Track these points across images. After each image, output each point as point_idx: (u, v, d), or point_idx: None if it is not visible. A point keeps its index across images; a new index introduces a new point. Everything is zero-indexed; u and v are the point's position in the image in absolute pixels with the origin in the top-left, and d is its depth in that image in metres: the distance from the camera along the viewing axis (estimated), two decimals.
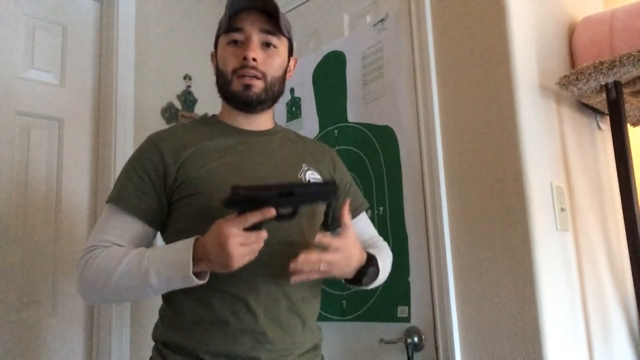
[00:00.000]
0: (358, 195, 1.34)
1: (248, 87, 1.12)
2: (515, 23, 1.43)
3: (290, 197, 0.94)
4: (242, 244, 0.93)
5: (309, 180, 1.18)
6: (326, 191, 0.99)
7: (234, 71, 1.13)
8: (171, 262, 0.98)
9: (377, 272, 1.15)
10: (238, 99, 1.14)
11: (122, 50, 1.92)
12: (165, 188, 1.09)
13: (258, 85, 1.13)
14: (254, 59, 1.11)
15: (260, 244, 0.95)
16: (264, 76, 1.13)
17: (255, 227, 0.94)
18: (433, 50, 1.57)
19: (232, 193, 0.92)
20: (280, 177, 1.14)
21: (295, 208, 0.97)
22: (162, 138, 1.13)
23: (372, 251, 1.18)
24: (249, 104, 1.15)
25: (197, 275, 0.97)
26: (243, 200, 0.93)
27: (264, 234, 0.95)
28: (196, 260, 0.96)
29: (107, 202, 1.11)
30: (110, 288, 1.02)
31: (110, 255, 1.03)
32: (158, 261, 0.99)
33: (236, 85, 1.13)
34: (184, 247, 0.98)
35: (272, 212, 0.94)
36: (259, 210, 0.93)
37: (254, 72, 1.11)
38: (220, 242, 0.92)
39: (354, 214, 1.30)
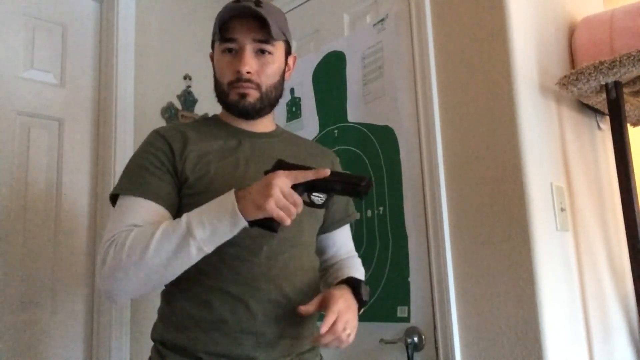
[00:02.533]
0: (350, 204, 1.35)
1: (243, 96, 1.13)
2: (515, 23, 1.43)
3: (327, 181, 0.98)
4: (284, 194, 0.94)
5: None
6: (361, 186, 0.99)
7: (230, 83, 1.14)
8: (215, 206, 0.97)
9: (360, 283, 1.14)
10: (235, 109, 1.16)
11: (122, 50, 1.92)
12: (177, 177, 1.09)
13: (253, 95, 1.13)
14: (248, 72, 1.11)
15: (296, 209, 0.96)
16: (258, 87, 1.14)
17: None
18: (433, 50, 1.57)
19: (277, 164, 0.99)
20: None
21: (329, 196, 1.01)
22: (168, 131, 1.14)
23: (346, 272, 1.22)
24: (246, 114, 1.16)
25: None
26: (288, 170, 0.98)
27: (301, 203, 0.97)
28: (237, 198, 0.95)
29: (120, 194, 1.07)
30: (148, 262, 0.96)
31: (142, 230, 0.99)
32: (199, 213, 0.97)
33: (233, 95, 1.14)
34: (226, 194, 0.98)
35: (327, 171, 0.97)
36: (314, 171, 0.97)
37: (248, 84, 1.12)
38: (267, 182, 0.94)
39: (340, 223, 1.31)
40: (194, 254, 0.96)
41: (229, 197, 0.96)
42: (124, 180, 1.09)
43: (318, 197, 1.04)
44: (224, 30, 1.13)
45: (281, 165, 1.01)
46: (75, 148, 1.85)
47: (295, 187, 0.96)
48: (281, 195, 0.93)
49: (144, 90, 1.97)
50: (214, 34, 1.18)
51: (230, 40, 1.13)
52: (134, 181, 1.07)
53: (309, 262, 1.17)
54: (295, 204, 0.95)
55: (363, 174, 1.03)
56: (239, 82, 1.12)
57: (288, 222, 0.95)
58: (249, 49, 1.12)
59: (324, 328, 0.99)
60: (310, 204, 1.01)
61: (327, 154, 1.34)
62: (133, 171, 1.09)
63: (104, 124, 1.89)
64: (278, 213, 0.93)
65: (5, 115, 1.70)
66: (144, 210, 1.03)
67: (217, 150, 1.13)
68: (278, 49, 1.17)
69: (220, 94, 1.17)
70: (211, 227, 0.95)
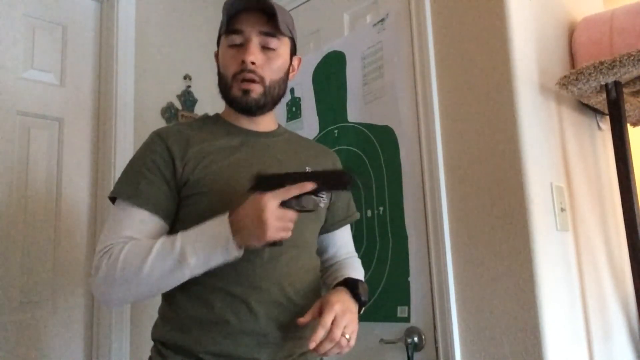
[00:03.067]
0: (351, 204, 1.35)
1: (247, 92, 1.12)
2: (515, 23, 1.43)
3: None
4: (278, 218, 0.95)
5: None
6: (343, 180, 1.01)
7: (234, 76, 1.13)
8: (209, 237, 0.98)
9: (357, 283, 1.14)
10: (237, 104, 1.15)
11: (122, 50, 1.92)
12: (176, 182, 1.08)
13: (257, 90, 1.13)
14: (253, 63, 1.11)
15: (292, 223, 0.98)
16: (262, 80, 1.13)
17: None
18: (433, 50, 1.57)
19: (256, 181, 0.98)
20: None
21: (317, 197, 1.03)
22: (168, 133, 1.13)
23: (345, 272, 1.22)
24: (249, 109, 1.16)
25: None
26: (268, 185, 0.98)
27: (295, 214, 0.98)
28: (232, 230, 0.97)
29: (116, 197, 1.08)
30: (141, 280, 0.99)
31: (136, 246, 1.01)
32: (194, 239, 0.99)
33: (235, 90, 1.13)
34: (218, 221, 0.99)
35: (312, 185, 0.97)
36: (297, 185, 0.97)
37: (252, 75, 1.11)
38: (257, 214, 0.94)
39: (342, 223, 1.32)
40: (186, 277, 1.00)
41: (224, 229, 0.97)
42: (122, 184, 1.09)
43: (309, 201, 1.03)
44: (231, 23, 1.12)
45: (261, 179, 1.00)
46: (75, 148, 1.85)
47: (283, 201, 0.97)
48: (276, 221, 0.95)
49: (144, 90, 1.97)
50: (220, 29, 1.17)
51: (237, 31, 1.12)
52: (131, 187, 1.07)
53: (311, 263, 1.17)
54: (290, 220, 0.98)
55: (354, 171, 1.03)
56: (243, 72, 1.11)
57: (289, 235, 0.98)
58: (255, 41, 1.12)
59: (312, 344, 0.99)
60: (302, 210, 1.01)
61: (329, 153, 1.34)
62: (130, 176, 1.09)
63: (104, 124, 1.89)
64: (279, 236, 0.96)
65: (5, 115, 1.70)
66: (138, 221, 1.05)
67: (220, 150, 1.13)
68: (284, 44, 1.16)
69: (224, 88, 1.16)
70: (204, 257, 0.98)
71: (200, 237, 0.99)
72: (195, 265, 0.98)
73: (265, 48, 1.13)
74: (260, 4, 1.11)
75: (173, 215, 1.10)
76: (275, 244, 0.99)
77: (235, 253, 0.97)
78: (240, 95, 1.13)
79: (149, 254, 0.98)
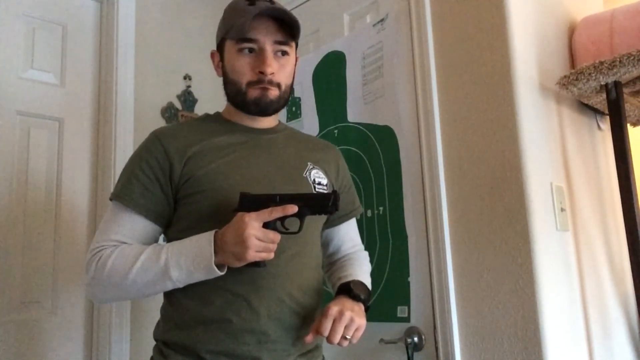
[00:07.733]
0: (354, 199, 1.35)
1: (265, 93, 1.12)
2: (515, 23, 1.43)
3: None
4: (259, 238, 0.96)
5: (314, 180, 1.18)
6: (328, 203, 1.02)
7: (249, 83, 1.13)
8: (193, 255, 1.00)
9: (350, 285, 1.15)
10: (254, 107, 1.15)
11: (122, 50, 1.92)
12: (171, 185, 1.09)
13: (274, 92, 1.13)
14: (271, 73, 1.11)
15: (275, 243, 0.99)
16: (279, 86, 1.14)
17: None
18: (433, 50, 1.57)
19: (240, 200, 1.00)
20: (285, 175, 1.15)
21: (301, 222, 1.02)
22: (167, 135, 1.13)
23: (347, 272, 1.22)
24: (265, 110, 1.15)
25: (218, 267, 0.99)
26: (251, 206, 0.99)
27: (278, 236, 0.99)
28: (215, 251, 0.98)
29: (111, 199, 1.10)
30: (126, 286, 1.03)
31: (124, 253, 1.04)
32: (178, 254, 1.01)
33: (252, 93, 1.13)
34: (206, 239, 1.00)
35: (294, 208, 0.98)
36: (281, 207, 0.98)
37: (270, 85, 1.12)
38: (238, 233, 0.96)
39: (346, 218, 1.31)
40: (169, 288, 1.04)
41: (208, 247, 0.99)
42: (118, 186, 1.11)
43: (293, 223, 1.03)
44: (244, 30, 1.11)
45: (245, 198, 1.02)
46: (75, 148, 1.85)
47: (267, 222, 0.98)
48: (257, 241, 0.96)
49: (144, 90, 1.97)
50: (225, 32, 1.16)
51: (251, 40, 1.12)
52: (124, 189, 1.09)
53: (313, 260, 1.17)
54: (272, 241, 0.98)
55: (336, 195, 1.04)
56: (260, 83, 1.12)
57: (271, 256, 0.99)
58: (270, 50, 1.12)
59: (308, 338, 1.02)
60: (285, 231, 1.02)
61: (330, 148, 1.33)
62: (124, 177, 1.11)
63: (104, 124, 1.90)
64: (259, 256, 0.97)
65: (5, 115, 1.70)
66: (129, 223, 1.08)
67: (220, 148, 1.13)
68: (293, 49, 1.18)
69: (237, 93, 1.15)
70: (187, 272, 1.00)
71: (185, 251, 1.01)
72: (177, 279, 1.01)
73: (277, 54, 1.14)
74: (277, 12, 1.10)
75: (166, 218, 1.11)
76: (257, 264, 1.00)
77: (216, 272, 0.99)
78: (259, 96, 1.13)
79: (135, 262, 1.01)
